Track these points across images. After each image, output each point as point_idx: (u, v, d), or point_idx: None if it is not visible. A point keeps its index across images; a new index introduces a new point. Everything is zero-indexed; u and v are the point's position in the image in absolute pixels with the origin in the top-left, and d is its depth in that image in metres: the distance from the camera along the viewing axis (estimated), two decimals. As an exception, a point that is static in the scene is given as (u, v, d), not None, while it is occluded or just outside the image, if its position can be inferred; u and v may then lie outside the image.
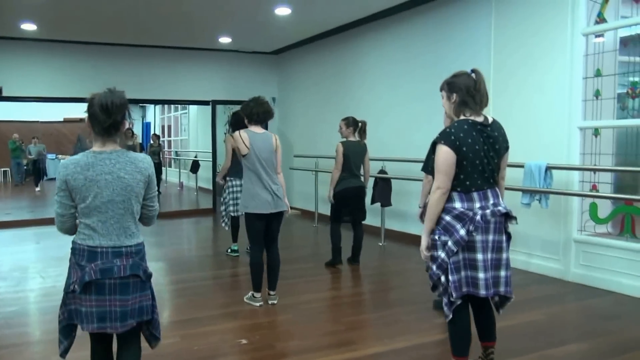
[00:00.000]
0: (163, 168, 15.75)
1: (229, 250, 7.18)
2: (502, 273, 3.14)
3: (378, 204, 7.57)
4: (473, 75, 3.16)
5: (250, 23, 9.03)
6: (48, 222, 9.87)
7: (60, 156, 18.77)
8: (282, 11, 8.09)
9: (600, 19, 5.65)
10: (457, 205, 3.10)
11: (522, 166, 5.66)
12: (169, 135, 19.26)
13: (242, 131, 4.90)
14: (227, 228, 6.99)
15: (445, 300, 3.17)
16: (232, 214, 6.81)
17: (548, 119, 5.88)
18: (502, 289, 3.14)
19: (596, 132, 5.70)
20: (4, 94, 9.80)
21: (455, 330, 3.24)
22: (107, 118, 2.55)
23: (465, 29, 7.02)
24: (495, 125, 3.19)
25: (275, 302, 5.04)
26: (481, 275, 3.06)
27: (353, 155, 6.32)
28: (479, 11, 6.81)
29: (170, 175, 17.83)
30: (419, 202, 4.69)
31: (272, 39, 10.45)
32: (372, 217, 8.02)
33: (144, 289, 2.70)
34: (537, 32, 6.01)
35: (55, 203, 2.65)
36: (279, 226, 5.05)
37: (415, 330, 4.33)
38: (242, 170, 5.06)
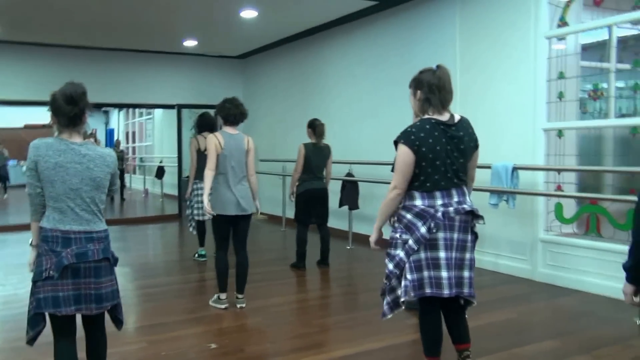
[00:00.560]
0: (127, 175, 15.47)
1: (196, 255, 7.08)
2: (466, 274, 3.07)
3: (346, 207, 7.56)
4: (437, 71, 3.09)
5: (216, 26, 8.95)
6: (8, 229, 9.61)
7: (22, 162, 18.29)
8: (248, 14, 8.04)
9: (563, 22, 5.75)
10: (418, 202, 3.05)
11: (489, 167, 5.71)
12: (134, 142, 18.95)
13: (216, 133, 4.89)
14: (193, 232, 6.91)
15: (388, 299, 3.14)
16: (198, 218, 6.73)
17: (513, 121, 5.96)
18: (465, 290, 3.07)
19: (560, 133, 5.79)
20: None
21: (425, 330, 3.21)
22: (73, 107, 2.69)
23: (430, 32, 7.07)
24: (462, 124, 3.11)
25: (243, 305, 4.97)
26: (444, 274, 3.00)
27: (315, 157, 6.30)
28: (444, 15, 6.87)
29: (135, 182, 17.53)
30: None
31: (238, 42, 10.38)
32: (340, 221, 8.02)
33: (112, 273, 2.87)
34: (501, 35, 6.10)
35: (27, 184, 2.76)
36: (247, 229, 5.00)
37: (387, 331, 4.30)
38: None
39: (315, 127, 6.38)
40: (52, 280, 2.67)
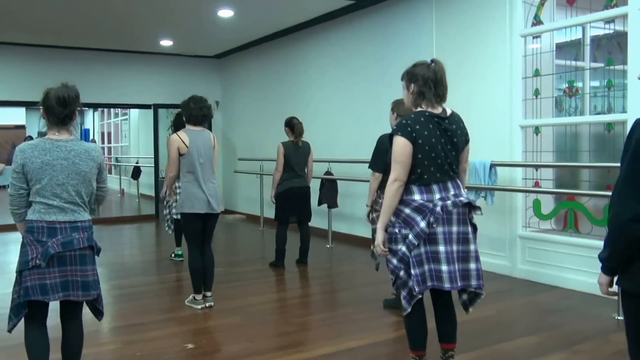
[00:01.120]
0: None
1: (173, 255, 6.99)
2: (472, 265, 3.05)
3: (325, 206, 7.52)
4: (433, 65, 3.08)
5: (192, 26, 8.85)
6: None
7: None
8: (225, 13, 7.96)
9: (537, 21, 5.79)
10: (417, 197, 3.02)
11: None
12: (109, 142, 18.72)
13: (180, 132, 4.83)
14: (170, 232, 6.82)
15: (404, 293, 3.07)
16: (175, 217, 6.64)
17: (490, 118, 5.98)
18: (473, 282, 3.05)
19: (537, 130, 5.83)
20: None
21: (411, 324, 3.18)
22: (63, 109, 2.86)
23: (407, 31, 7.07)
24: (454, 118, 3.12)
25: (212, 303, 4.92)
26: (444, 267, 2.98)
27: (294, 156, 6.26)
28: (420, 14, 6.87)
29: (111, 182, 17.29)
30: (367, 201, 4.67)
31: (215, 42, 10.29)
32: (319, 219, 7.97)
33: (94, 262, 2.99)
34: (477, 33, 6.12)
35: (10, 185, 2.88)
36: (214, 226, 4.99)
37: (367, 330, 4.28)
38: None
39: (294, 126, 6.34)
40: (39, 269, 2.79)
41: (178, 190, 6.48)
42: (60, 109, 2.85)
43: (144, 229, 10.26)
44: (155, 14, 7.99)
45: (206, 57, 11.67)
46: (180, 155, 4.74)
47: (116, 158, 18.12)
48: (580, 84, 5.80)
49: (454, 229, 3.02)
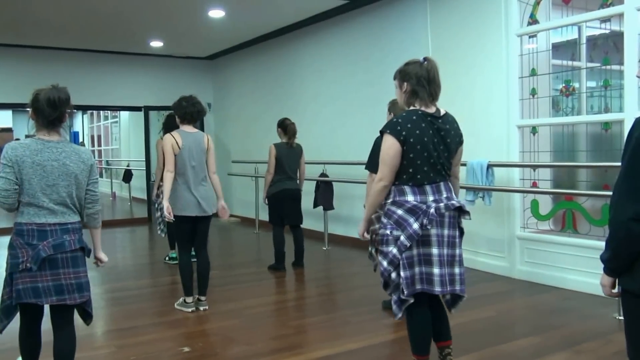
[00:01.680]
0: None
1: (167, 258, 6.92)
2: (457, 270, 3.03)
3: (321, 208, 7.46)
4: (425, 63, 3.03)
5: (183, 26, 8.77)
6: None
7: None
8: (216, 14, 7.89)
9: (533, 20, 5.76)
10: (410, 198, 2.97)
11: (464, 164, 5.68)
12: (99, 145, 18.60)
13: (173, 132, 4.76)
14: (162, 235, 6.75)
15: (394, 298, 3.04)
16: (168, 220, 6.55)
17: (487, 118, 5.94)
18: (457, 287, 3.03)
19: (534, 130, 5.80)
20: None
21: (414, 328, 3.12)
22: (53, 112, 2.83)
23: (402, 31, 7.03)
24: (448, 118, 3.07)
25: (206, 307, 4.85)
26: (436, 270, 2.95)
27: (286, 157, 6.20)
28: (414, 14, 6.83)
29: (102, 185, 17.18)
30: (364, 202, 4.61)
31: (207, 43, 10.21)
32: (316, 222, 7.93)
33: (85, 264, 2.97)
34: (473, 33, 6.09)
35: (0, 179, 2.79)
36: (207, 230, 4.91)
37: (366, 332, 4.23)
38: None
39: (286, 127, 6.28)
40: (30, 272, 2.76)
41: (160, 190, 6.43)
42: (50, 111, 2.82)
43: (137, 232, 10.15)
44: (145, 14, 7.89)
45: (197, 59, 11.58)
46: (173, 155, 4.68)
47: (107, 161, 18.00)
48: (576, 84, 5.79)
49: (445, 232, 3.00)
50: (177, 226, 4.81)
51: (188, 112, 4.77)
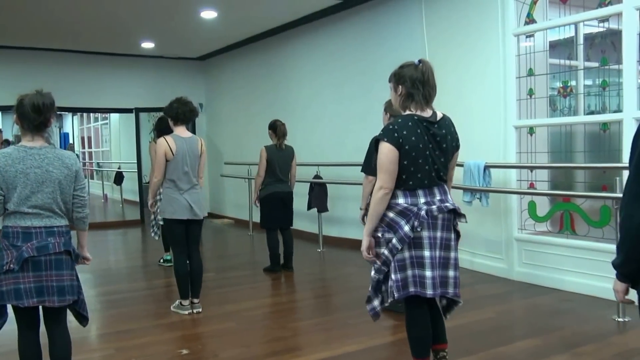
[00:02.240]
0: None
1: (162, 261, 6.85)
2: (451, 273, 3.00)
3: (315, 210, 7.41)
4: (420, 66, 2.98)
5: (174, 27, 8.68)
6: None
7: None
8: (208, 14, 7.83)
9: (530, 19, 5.74)
10: (401, 201, 2.95)
11: (461, 165, 5.65)
12: (90, 147, 18.47)
13: (167, 137, 4.70)
14: (156, 238, 6.67)
15: (376, 302, 3.06)
16: (160, 223, 6.49)
17: (484, 119, 5.91)
18: (450, 290, 3.00)
19: (531, 130, 5.78)
20: None
21: (414, 331, 3.08)
22: (38, 117, 2.83)
23: (397, 31, 7.00)
24: (444, 122, 3.03)
25: (200, 310, 4.81)
26: (428, 273, 2.91)
27: (277, 160, 6.16)
28: (409, 13, 6.79)
29: (93, 187, 17.06)
30: (361, 204, 4.59)
31: (198, 43, 10.13)
32: (310, 224, 7.88)
33: (73, 268, 2.95)
34: (469, 33, 6.06)
35: None
36: (199, 232, 4.89)
37: (364, 334, 4.19)
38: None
39: (277, 128, 6.23)
40: (13, 273, 2.76)
41: (159, 197, 6.37)
42: (35, 116, 2.82)
43: (129, 235, 10.06)
44: (135, 14, 7.80)
45: (189, 59, 11.50)
46: (166, 160, 4.64)
47: (97, 163, 17.89)
48: (574, 83, 5.76)
49: (438, 234, 2.96)
50: (169, 230, 4.80)
51: (180, 111, 4.73)
